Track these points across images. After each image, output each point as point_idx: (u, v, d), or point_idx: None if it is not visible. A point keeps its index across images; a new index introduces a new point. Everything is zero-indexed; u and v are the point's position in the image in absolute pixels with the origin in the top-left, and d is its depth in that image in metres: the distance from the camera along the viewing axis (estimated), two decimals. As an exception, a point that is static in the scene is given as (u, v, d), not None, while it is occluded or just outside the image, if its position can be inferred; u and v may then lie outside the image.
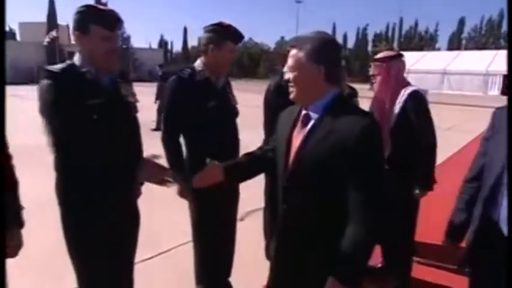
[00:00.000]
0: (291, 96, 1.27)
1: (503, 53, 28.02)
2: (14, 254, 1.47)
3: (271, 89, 2.42)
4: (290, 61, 1.24)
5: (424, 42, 46.70)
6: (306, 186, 1.23)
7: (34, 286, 2.52)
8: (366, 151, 1.12)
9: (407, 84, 2.29)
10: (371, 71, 2.37)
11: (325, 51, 1.21)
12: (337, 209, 1.18)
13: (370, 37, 53.69)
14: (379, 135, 1.20)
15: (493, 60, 27.13)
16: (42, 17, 36.08)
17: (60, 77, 1.47)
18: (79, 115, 1.46)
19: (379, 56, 2.36)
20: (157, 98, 8.86)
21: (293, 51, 1.23)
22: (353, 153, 1.11)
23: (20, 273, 2.67)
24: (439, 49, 46.42)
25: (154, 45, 58.51)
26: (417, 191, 2.24)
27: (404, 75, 2.36)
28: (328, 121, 1.18)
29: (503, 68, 25.53)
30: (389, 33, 51.00)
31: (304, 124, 1.25)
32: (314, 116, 1.23)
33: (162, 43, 53.73)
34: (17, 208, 1.48)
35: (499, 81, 25.84)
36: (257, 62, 50.15)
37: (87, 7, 1.49)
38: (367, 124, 1.13)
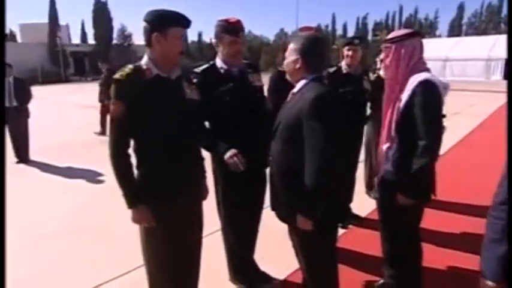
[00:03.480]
0: (286, 76, 1.79)
1: (504, 38, 28.04)
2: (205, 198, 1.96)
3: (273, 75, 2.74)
4: (286, 52, 1.75)
5: (425, 29, 46.58)
6: (280, 140, 1.71)
7: (111, 257, 2.84)
8: (312, 113, 1.55)
9: (424, 69, 1.88)
10: (381, 56, 2.05)
11: (304, 46, 1.67)
12: (298, 159, 1.59)
13: (370, 26, 53.52)
14: (325, 103, 1.58)
15: (494, 45, 27.12)
16: (42, 17, 35.99)
17: (202, 75, 2.07)
18: (215, 99, 2.04)
19: (390, 36, 1.99)
20: (102, 99, 7.89)
21: (289, 45, 1.73)
22: (305, 115, 1.55)
23: (105, 248, 3.02)
24: (439, 36, 46.25)
25: (154, 42, 58.08)
26: (399, 196, 1.88)
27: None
28: (300, 94, 1.66)
29: (504, 53, 25.66)
30: (390, 22, 50.81)
31: (290, 98, 1.77)
32: (295, 91, 1.72)
33: (162, 39, 53.98)
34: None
35: (501, 66, 25.90)
36: (258, 54, 50.14)
37: (220, 21, 2.05)
38: (317, 95, 1.56)
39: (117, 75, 1.56)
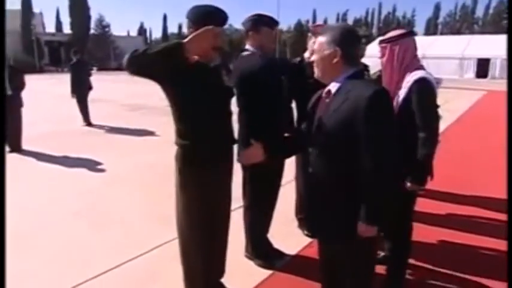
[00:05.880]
0: (315, 75, 1.58)
1: (477, 38, 29.48)
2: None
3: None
4: (316, 45, 1.55)
5: (402, 27, 47.97)
6: (326, 148, 1.50)
7: (118, 241, 2.96)
8: (374, 112, 1.35)
9: (419, 67, 2.03)
10: (379, 54, 2.18)
11: (343, 36, 1.47)
12: (351, 165, 1.45)
13: (350, 22, 54.35)
14: (385, 99, 1.42)
15: (468, 44, 28.35)
16: (13, 3, 34.32)
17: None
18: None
19: (385, 36, 2.13)
20: (74, 91, 7.92)
21: (319, 38, 1.53)
22: (364, 114, 1.35)
23: (106, 228, 3.14)
24: (416, 34, 47.74)
25: (133, 33, 57.26)
26: (408, 184, 2.06)
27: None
28: (344, 92, 1.44)
29: (477, 52, 26.97)
30: (369, 19, 51.87)
31: (326, 97, 1.55)
32: (334, 90, 1.51)
33: (142, 30, 52.63)
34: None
35: (473, 65, 27.20)
36: (239, 47, 50.00)
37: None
38: (374, 91, 1.37)
39: None
